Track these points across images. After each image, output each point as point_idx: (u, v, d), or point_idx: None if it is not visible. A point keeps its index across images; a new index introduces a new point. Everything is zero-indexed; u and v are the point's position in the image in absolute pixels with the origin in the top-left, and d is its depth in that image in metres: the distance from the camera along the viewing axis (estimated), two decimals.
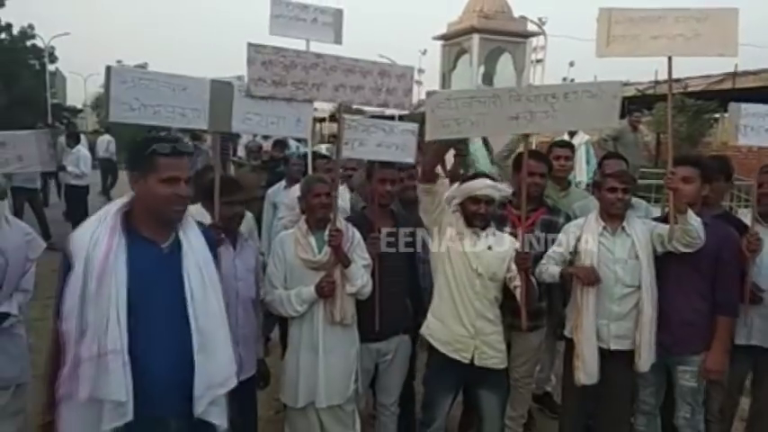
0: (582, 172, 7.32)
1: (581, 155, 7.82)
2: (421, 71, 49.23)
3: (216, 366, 2.02)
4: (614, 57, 3.01)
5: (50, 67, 31.96)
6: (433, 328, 3.04)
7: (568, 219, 3.35)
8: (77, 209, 8.94)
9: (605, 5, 2.98)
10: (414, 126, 3.13)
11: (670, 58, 3.00)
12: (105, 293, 1.85)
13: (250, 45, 2.66)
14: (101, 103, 31.32)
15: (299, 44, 3.82)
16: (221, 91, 2.66)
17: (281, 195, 4.78)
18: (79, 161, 8.76)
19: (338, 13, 4.02)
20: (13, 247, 2.72)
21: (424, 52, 45.00)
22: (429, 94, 2.99)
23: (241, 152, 11.17)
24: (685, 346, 3.02)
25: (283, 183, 4.99)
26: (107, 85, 2.39)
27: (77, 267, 1.87)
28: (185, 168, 2.01)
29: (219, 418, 2.06)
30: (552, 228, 3.32)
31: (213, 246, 2.21)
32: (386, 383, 3.26)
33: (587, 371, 2.97)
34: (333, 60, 2.84)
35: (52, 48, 31.76)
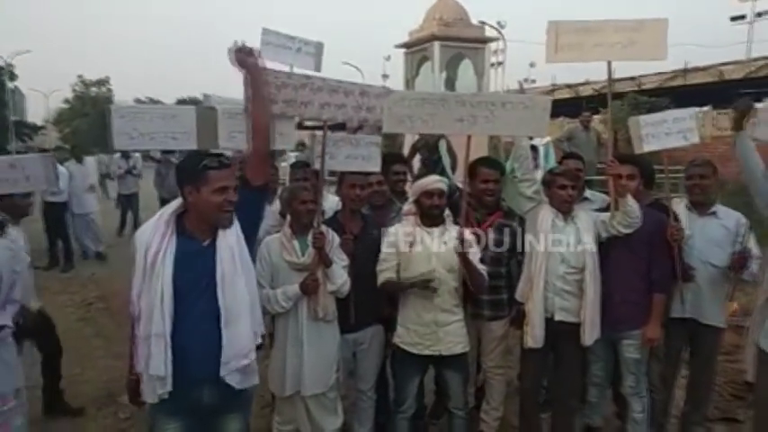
0: (542, 169, 7.77)
1: (542, 155, 8.26)
2: (385, 76, 49.87)
3: (239, 339, 2.36)
4: (561, 63, 3.42)
5: (10, 85, 31.58)
6: (401, 334, 3.34)
7: (522, 222, 3.62)
8: (54, 225, 9.04)
9: (552, 19, 3.38)
10: (377, 138, 3.48)
11: (609, 63, 3.44)
12: (155, 284, 2.24)
13: None
14: (63, 119, 30.78)
15: (284, 69, 4.21)
16: (206, 115, 3.06)
17: None
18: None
19: (320, 46, 4.44)
20: (2, 261, 2.99)
21: (388, 58, 45.59)
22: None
23: None
24: (628, 322, 3.40)
25: None
26: (108, 120, 2.80)
27: (138, 261, 2.28)
28: (233, 177, 2.39)
29: (241, 383, 2.41)
30: (510, 231, 3.58)
31: (247, 231, 2.49)
32: (363, 370, 3.56)
33: (534, 334, 3.34)
34: (319, 81, 3.19)
35: (11, 66, 31.43)
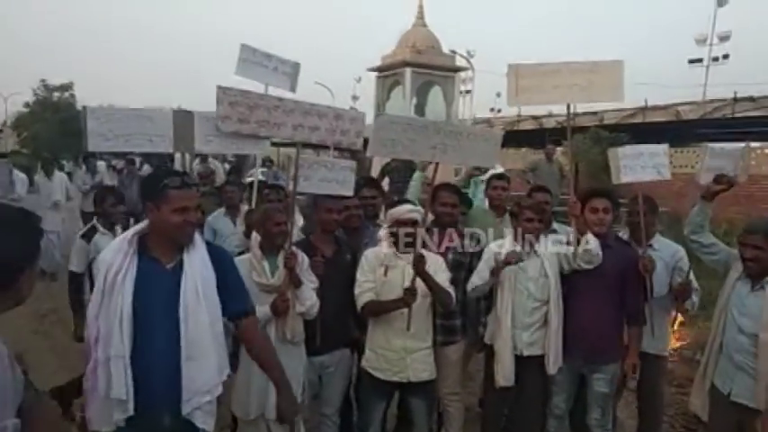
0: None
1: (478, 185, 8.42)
2: (355, 98, 50.21)
3: (201, 374, 2.30)
4: (522, 105, 3.54)
5: None
6: (370, 359, 3.35)
7: (478, 242, 3.74)
8: None
9: (512, 62, 3.47)
10: (351, 163, 3.53)
11: (568, 105, 3.57)
12: (113, 306, 2.18)
13: (219, 87, 3.02)
14: (22, 123, 29.89)
15: (258, 86, 4.23)
16: (183, 118, 3.09)
17: (222, 222, 5.02)
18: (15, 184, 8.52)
19: (296, 66, 4.47)
20: None
21: (359, 80, 46.01)
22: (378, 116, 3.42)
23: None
24: (601, 355, 3.47)
25: (223, 209, 5.21)
26: (84, 122, 2.79)
27: (98, 283, 2.23)
28: (194, 198, 2.35)
29: (204, 422, 2.34)
30: (464, 251, 3.67)
31: (221, 262, 2.45)
32: (328, 394, 3.54)
33: (505, 374, 3.39)
34: (292, 104, 3.24)
35: None
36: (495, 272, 3.37)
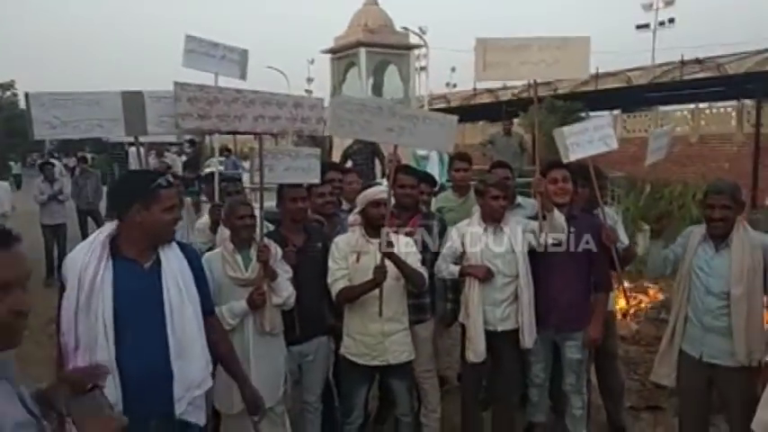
0: (436, 174, 7.94)
1: (434, 161, 8.49)
2: (310, 80, 49.65)
3: (192, 370, 2.29)
4: (490, 80, 3.53)
5: None
6: (348, 345, 3.35)
7: (441, 221, 3.80)
8: None
9: (481, 36, 3.44)
10: (315, 150, 3.51)
11: (535, 81, 3.59)
12: (94, 311, 2.13)
13: (176, 84, 2.92)
14: None
15: (208, 77, 4.11)
16: (132, 100, 2.92)
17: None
18: None
19: (244, 53, 4.37)
20: None
21: (312, 62, 45.47)
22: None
23: None
24: (571, 324, 3.56)
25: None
26: (27, 109, 2.62)
27: (69, 288, 2.16)
28: (177, 196, 2.38)
29: (198, 417, 2.34)
30: (428, 230, 3.72)
31: (194, 259, 2.47)
32: (309, 382, 3.55)
33: (475, 350, 3.45)
34: (251, 94, 3.17)
35: None
36: (462, 273, 3.45)
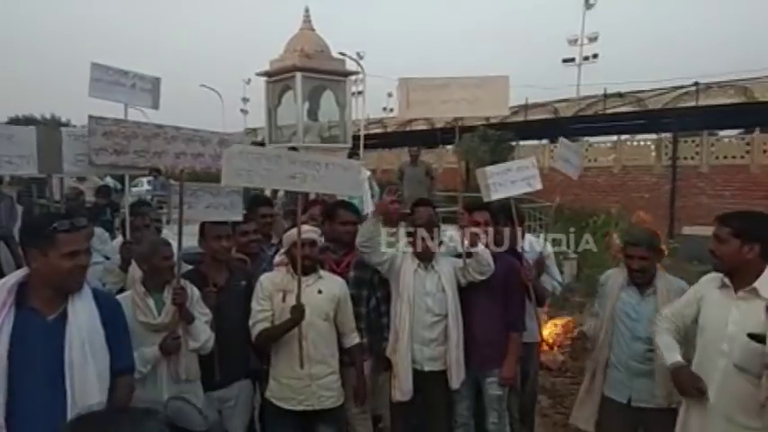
0: (368, 203, 7.75)
1: (366, 189, 8.47)
2: (245, 100, 49.04)
3: None
4: (413, 117, 3.59)
5: None
6: (274, 389, 3.22)
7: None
8: None
9: (403, 76, 3.52)
10: (238, 188, 3.36)
11: (457, 119, 3.64)
12: None
13: (91, 117, 2.78)
14: None
15: (117, 107, 3.86)
16: (49, 136, 2.81)
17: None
18: None
19: (156, 81, 4.14)
20: None
21: (248, 81, 44.92)
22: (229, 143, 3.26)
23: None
24: (490, 361, 3.57)
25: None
26: None
27: None
28: (84, 241, 2.17)
29: None
30: (365, 266, 3.62)
31: (111, 311, 2.28)
32: (230, 428, 3.37)
33: (402, 388, 3.39)
34: (173, 131, 3.05)
35: None
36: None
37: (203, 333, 3.02)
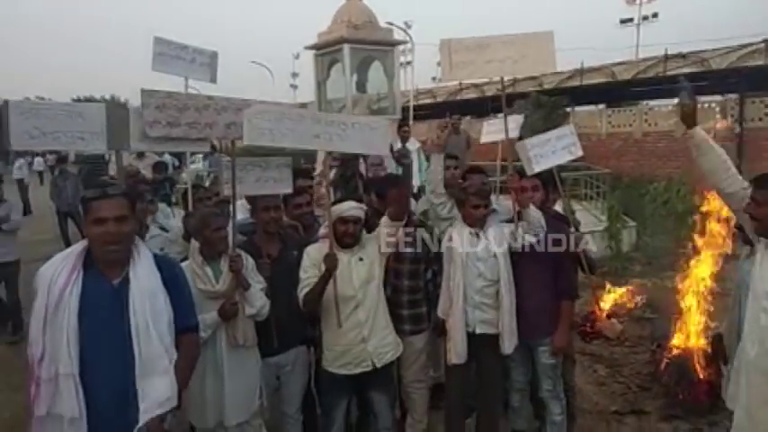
0: (415, 176, 7.74)
1: (414, 161, 8.39)
2: (295, 75, 49.34)
3: (156, 390, 2.22)
4: (457, 80, 3.49)
5: None
6: (330, 359, 3.26)
7: (431, 229, 3.70)
8: None
9: (444, 37, 3.41)
10: (287, 160, 3.39)
11: (502, 78, 3.52)
12: (59, 323, 2.10)
13: (143, 91, 2.84)
14: None
15: (179, 81, 3.99)
16: (117, 113, 2.88)
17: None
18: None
19: (214, 55, 4.25)
20: None
21: (297, 56, 45.12)
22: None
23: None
24: (540, 329, 3.53)
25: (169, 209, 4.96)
26: (6, 117, 2.56)
27: (39, 299, 2.13)
28: (114, 209, 2.21)
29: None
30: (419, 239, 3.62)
31: (171, 273, 2.40)
32: (287, 393, 3.48)
33: (457, 351, 3.40)
34: (223, 101, 3.08)
35: None
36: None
37: (259, 300, 3.10)
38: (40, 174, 28.23)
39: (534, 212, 3.30)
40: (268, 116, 3.00)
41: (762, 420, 2.50)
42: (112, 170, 12.38)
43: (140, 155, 10.37)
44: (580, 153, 3.67)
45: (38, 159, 28.81)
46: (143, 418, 2.19)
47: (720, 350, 3.37)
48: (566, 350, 3.61)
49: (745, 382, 2.58)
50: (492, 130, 5.91)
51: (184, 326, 2.43)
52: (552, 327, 3.52)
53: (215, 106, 3.03)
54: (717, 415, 4.14)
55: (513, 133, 4.95)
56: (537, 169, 3.51)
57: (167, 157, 12.67)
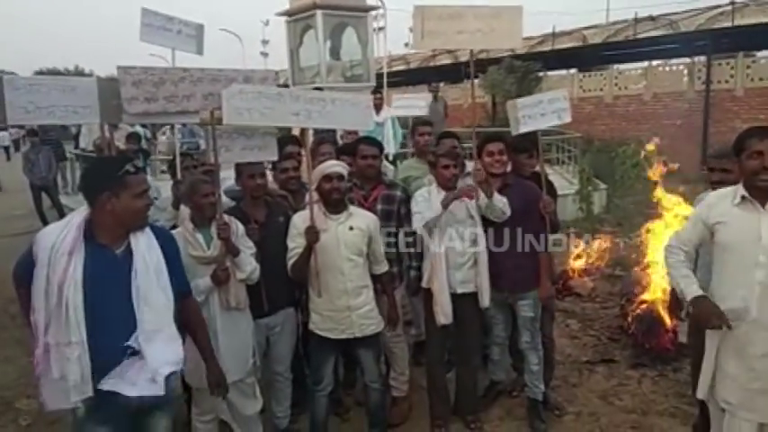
0: (390, 144, 7.94)
1: (388, 128, 8.50)
2: (265, 42, 48.39)
3: (162, 352, 2.34)
4: (428, 49, 3.60)
5: None
6: (316, 321, 3.41)
7: (404, 191, 3.86)
8: None
9: (418, 4, 3.47)
10: (271, 128, 3.46)
11: (471, 50, 3.65)
12: (65, 293, 2.17)
13: (119, 68, 2.89)
14: None
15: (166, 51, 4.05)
16: (108, 87, 2.96)
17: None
18: None
19: (200, 28, 4.29)
20: None
21: (267, 23, 44.14)
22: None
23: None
24: (521, 285, 3.73)
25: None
26: (1, 93, 2.63)
27: (39, 268, 2.19)
28: (145, 181, 2.39)
29: (168, 393, 2.40)
30: (391, 200, 3.79)
31: (167, 243, 2.50)
32: (277, 353, 3.63)
33: (444, 312, 3.57)
34: (198, 72, 3.14)
35: None
36: (446, 204, 3.47)
37: (249, 264, 3.21)
38: (6, 149, 27.50)
39: (498, 200, 3.47)
40: (245, 96, 3.06)
41: (764, 370, 2.47)
42: (83, 143, 12.20)
43: (114, 126, 10.27)
44: (568, 119, 3.74)
45: (2, 134, 27.92)
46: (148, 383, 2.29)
47: (675, 302, 3.66)
48: (551, 301, 3.82)
49: (745, 342, 2.50)
50: (401, 105, 6.20)
51: (183, 291, 2.57)
52: (532, 281, 3.72)
53: (191, 78, 3.10)
54: (680, 362, 4.46)
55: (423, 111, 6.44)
56: (523, 130, 3.63)
57: (139, 129, 12.51)
